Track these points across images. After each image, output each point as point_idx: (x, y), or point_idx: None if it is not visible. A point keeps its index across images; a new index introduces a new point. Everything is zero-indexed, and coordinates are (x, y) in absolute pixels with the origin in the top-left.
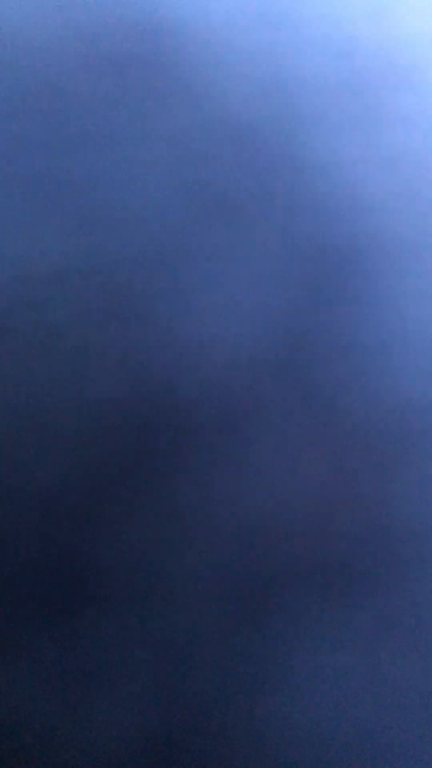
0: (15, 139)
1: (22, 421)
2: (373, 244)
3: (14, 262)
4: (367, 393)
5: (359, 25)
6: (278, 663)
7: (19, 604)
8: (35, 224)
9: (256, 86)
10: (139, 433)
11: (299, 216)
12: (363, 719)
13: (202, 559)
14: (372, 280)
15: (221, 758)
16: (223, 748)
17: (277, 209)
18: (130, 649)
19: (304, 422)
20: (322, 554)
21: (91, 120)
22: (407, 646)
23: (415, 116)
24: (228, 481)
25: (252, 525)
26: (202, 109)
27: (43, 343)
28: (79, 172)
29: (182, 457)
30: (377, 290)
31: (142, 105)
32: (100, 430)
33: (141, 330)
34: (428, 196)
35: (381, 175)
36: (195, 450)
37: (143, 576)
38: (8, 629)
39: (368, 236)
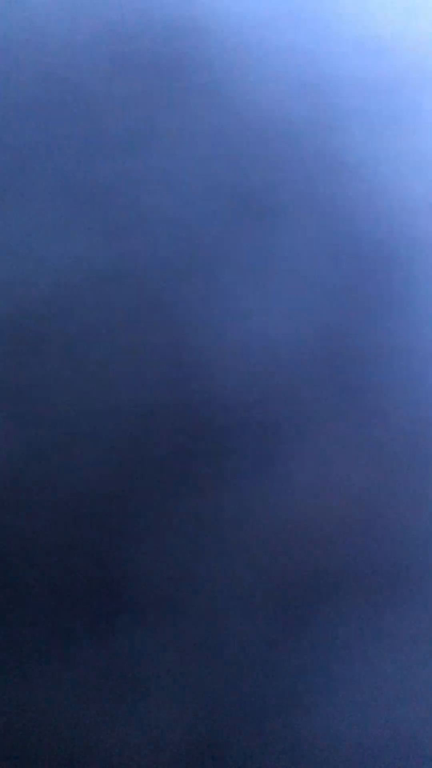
0: (45, 143)
1: (56, 429)
2: (412, 245)
3: (48, 268)
4: (409, 396)
5: (394, 23)
6: (320, 672)
7: (58, 613)
8: (67, 229)
9: (291, 86)
10: (176, 438)
11: (337, 217)
12: (402, 730)
13: (241, 566)
14: (411, 280)
15: None
16: (263, 759)
17: (314, 211)
18: (168, 658)
19: (344, 426)
20: (366, 560)
21: (121, 123)
22: None
23: None
24: (268, 486)
25: (293, 531)
26: (235, 110)
27: (83, 349)
28: (111, 175)
29: (221, 462)
30: (417, 291)
31: (174, 107)
32: (136, 436)
33: (178, 335)
34: None
35: (418, 174)
36: (234, 455)
37: (182, 583)
38: (47, 637)
39: (407, 237)
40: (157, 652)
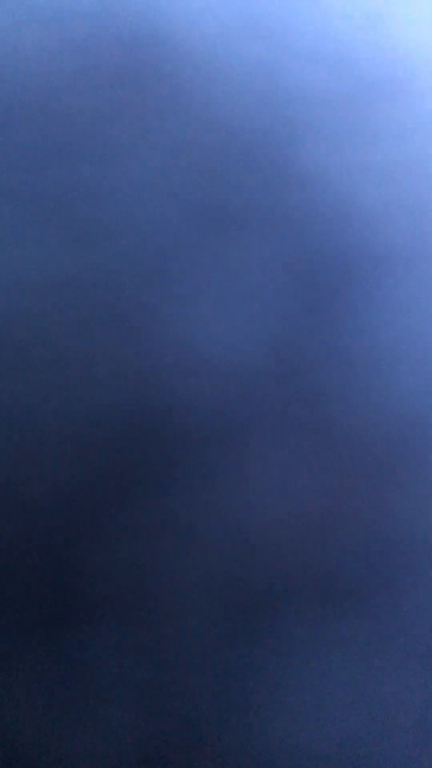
0: (12, 152)
1: (17, 432)
2: (369, 255)
3: (11, 273)
4: (364, 404)
5: (355, 36)
6: (274, 679)
7: (14, 617)
8: (33, 236)
9: (253, 99)
10: (134, 445)
11: (295, 227)
12: (360, 736)
13: (198, 572)
14: (368, 290)
15: None
16: (218, 765)
17: (273, 221)
18: (124, 663)
19: (300, 433)
20: (319, 568)
21: (87, 133)
22: (405, 661)
23: (410, 127)
24: (223, 493)
25: (248, 538)
26: (198, 122)
27: (39, 353)
28: (76, 185)
29: (178, 469)
30: (373, 301)
31: (138, 118)
32: (95, 441)
33: (137, 341)
34: (424, 208)
35: (377, 186)
36: (191, 462)
37: (138, 589)
38: (3, 642)
39: (364, 247)
40: (108, 656)
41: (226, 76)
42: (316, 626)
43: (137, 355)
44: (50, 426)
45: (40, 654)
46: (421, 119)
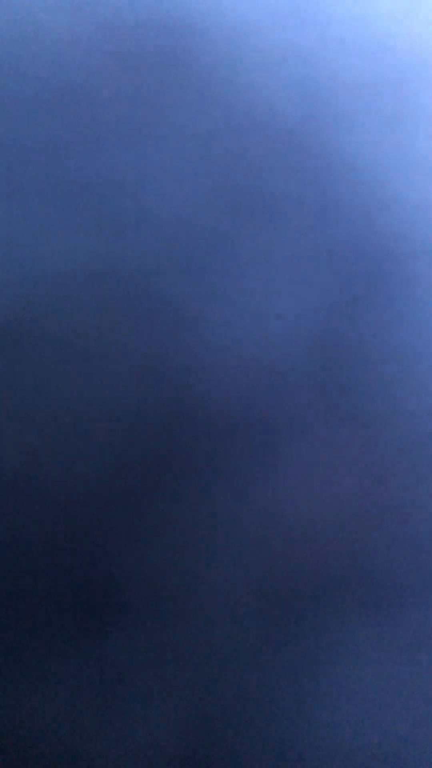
0: (42, 140)
1: (50, 429)
2: (409, 247)
3: (38, 264)
4: (403, 399)
5: (391, 23)
6: (313, 679)
7: (46, 620)
8: (58, 225)
9: (288, 86)
10: (166, 441)
11: (333, 218)
12: (402, 736)
13: (233, 572)
14: (408, 283)
15: None
16: (258, 766)
17: (310, 211)
18: (157, 666)
19: (337, 429)
20: (357, 566)
21: (116, 120)
22: None
23: None
24: (263, 490)
25: (288, 535)
26: (232, 110)
27: (69, 346)
28: (106, 173)
29: (212, 466)
30: (413, 294)
31: (170, 105)
32: (124, 438)
33: (169, 335)
34: None
35: (415, 175)
36: (225, 458)
37: (172, 590)
38: (35, 646)
39: (403, 238)
40: (151, 657)
41: (261, 62)
42: (357, 626)
43: (177, 347)
44: (83, 421)
45: (81, 654)
46: None
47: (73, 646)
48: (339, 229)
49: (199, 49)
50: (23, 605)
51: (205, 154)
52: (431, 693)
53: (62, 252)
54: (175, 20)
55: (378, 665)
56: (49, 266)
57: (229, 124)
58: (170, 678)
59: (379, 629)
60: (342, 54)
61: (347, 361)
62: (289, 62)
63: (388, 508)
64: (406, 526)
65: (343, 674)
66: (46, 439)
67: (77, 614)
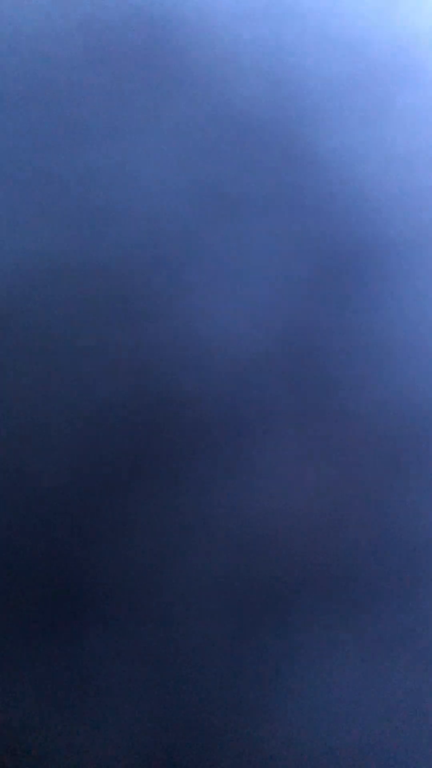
0: (15, 133)
1: (19, 424)
2: (380, 243)
3: (14, 259)
4: (374, 395)
5: (366, 19)
6: (282, 677)
7: (18, 617)
8: (35, 220)
9: (261, 81)
10: (139, 437)
11: (305, 213)
12: (370, 734)
13: (204, 569)
14: (379, 279)
15: None
16: (222, 765)
17: (282, 206)
18: (129, 663)
19: (309, 426)
20: (328, 564)
21: (92, 114)
22: (415, 658)
23: (421, 113)
24: (231, 487)
25: (256, 534)
26: (206, 104)
27: (43, 342)
28: (80, 167)
29: (184, 462)
30: (384, 289)
31: (144, 99)
32: (99, 433)
33: (143, 329)
34: None
35: (387, 172)
36: (197, 455)
37: (143, 587)
38: (6, 642)
39: (375, 234)
40: (117, 655)
41: (237, 57)
42: (326, 623)
43: (142, 344)
44: (55, 418)
45: (43, 653)
46: None
47: (43, 646)
48: (313, 224)
49: (171, 44)
50: None
51: (182, 148)
52: (406, 692)
53: (28, 247)
54: (152, 16)
55: (350, 664)
56: (25, 261)
57: (200, 117)
58: (141, 677)
59: (351, 628)
60: (318, 49)
61: (320, 356)
62: (261, 56)
63: (360, 504)
64: (378, 523)
65: (316, 674)
66: (11, 436)
67: (47, 614)
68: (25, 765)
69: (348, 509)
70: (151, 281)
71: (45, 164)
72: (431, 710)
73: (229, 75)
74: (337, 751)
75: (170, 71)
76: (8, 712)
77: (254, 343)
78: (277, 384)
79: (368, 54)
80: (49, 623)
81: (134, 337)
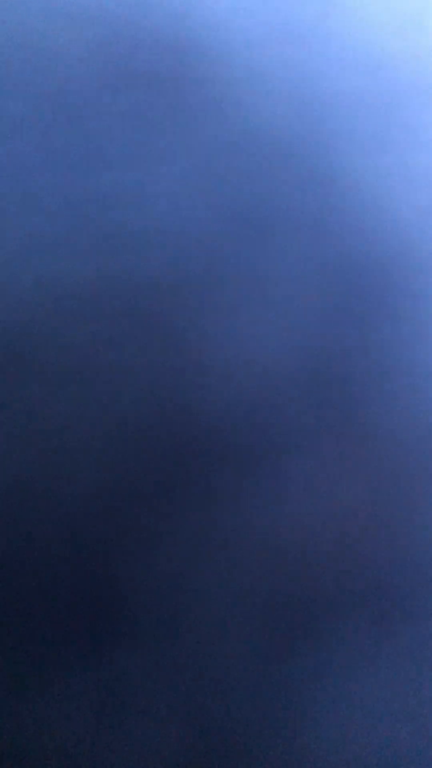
0: (39, 158)
1: (49, 446)
2: (404, 264)
3: (37, 283)
4: (402, 415)
5: (389, 40)
6: (314, 693)
7: (48, 637)
8: (57, 244)
9: (287, 103)
10: (166, 459)
11: (330, 235)
12: (404, 749)
13: (233, 588)
14: (404, 299)
15: None
16: None
17: (309, 228)
18: (163, 677)
19: (337, 446)
20: (358, 581)
21: (115, 137)
22: None
23: None
24: (259, 507)
25: (285, 552)
26: (229, 127)
27: (71, 363)
28: (105, 191)
29: (212, 483)
30: (410, 310)
31: (168, 123)
32: (125, 457)
33: (167, 353)
34: None
35: (415, 193)
36: (225, 475)
37: (174, 606)
38: (41, 656)
39: (400, 255)
40: (152, 671)
41: (260, 80)
42: (357, 640)
43: (167, 367)
44: (85, 438)
45: (81, 668)
46: None
47: (74, 661)
48: (337, 246)
49: (196, 67)
50: (24, 620)
51: (200, 172)
52: (430, 704)
53: (57, 270)
54: (173, 38)
55: (380, 679)
56: (44, 285)
57: (225, 141)
58: (171, 693)
59: (381, 644)
60: (340, 70)
61: (346, 377)
62: (285, 79)
63: (388, 522)
64: (406, 541)
65: (346, 689)
66: (44, 457)
67: (78, 629)
68: None
69: (377, 526)
70: (175, 305)
71: (68, 188)
72: None
73: (252, 98)
74: (369, 762)
75: (193, 95)
76: (40, 727)
77: (281, 363)
78: (303, 405)
79: (392, 76)
80: (79, 640)
81: (159, 361)
